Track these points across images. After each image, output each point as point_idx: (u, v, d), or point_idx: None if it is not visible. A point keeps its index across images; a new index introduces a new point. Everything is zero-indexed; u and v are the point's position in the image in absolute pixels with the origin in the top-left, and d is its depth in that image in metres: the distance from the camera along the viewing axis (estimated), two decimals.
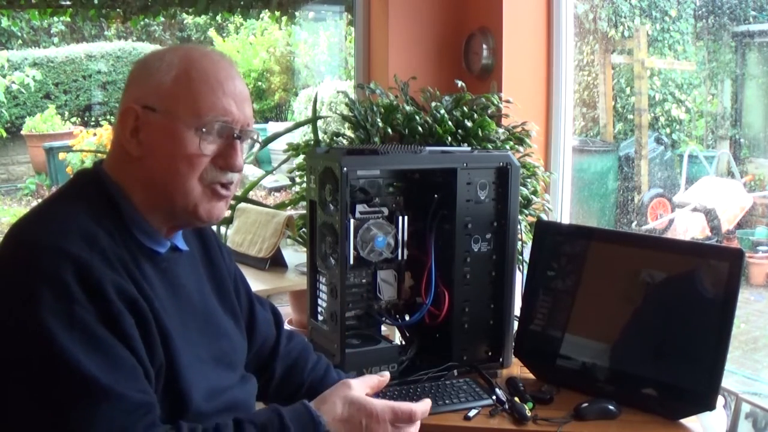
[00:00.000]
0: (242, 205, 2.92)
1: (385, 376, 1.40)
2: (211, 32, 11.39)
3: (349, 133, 2.38)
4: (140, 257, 1.19)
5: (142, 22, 9.34)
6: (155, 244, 1.23)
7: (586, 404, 1.65)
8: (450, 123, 2.17)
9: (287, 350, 1.55)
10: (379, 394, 1.69)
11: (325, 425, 1.21)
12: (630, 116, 5.15)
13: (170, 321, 1.17)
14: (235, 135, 1.23)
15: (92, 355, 1.04)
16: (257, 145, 1.34)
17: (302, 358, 1.55)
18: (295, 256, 2.77)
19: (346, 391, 1.27)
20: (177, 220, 1.25)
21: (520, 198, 1.99)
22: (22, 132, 9.79)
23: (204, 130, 1.19)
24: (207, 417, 1.20)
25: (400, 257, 1.80)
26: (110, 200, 1.20)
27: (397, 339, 2.08)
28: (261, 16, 8.33)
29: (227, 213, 3.13)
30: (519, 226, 1.98)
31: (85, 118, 10.38)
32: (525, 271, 2.03)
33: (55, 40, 11.18)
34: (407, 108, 2.24)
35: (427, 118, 2.21)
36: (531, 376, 1.87)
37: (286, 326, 2.99)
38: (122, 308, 1.09)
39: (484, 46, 2.71)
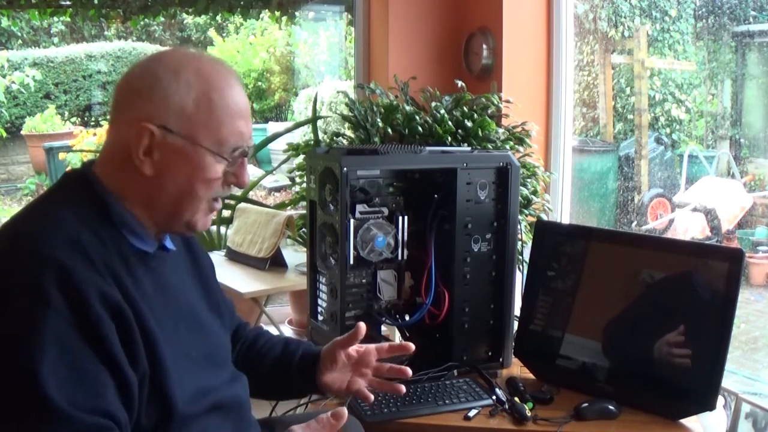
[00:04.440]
0: (242, 205, 2.92)
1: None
2: (211, 32, 11.38)
3: (349, 133, 2.38)
4: (129, 257, 1.18)
5: (142, 22, 9.34)
6: (144, 245, 1.22)
7: (586, 404, 1.65)
8: (450, 123, 2.17)
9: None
10: (380, 394, 1.68)
11: None
12: (630, 116, 5.15)
13: (157, 323, 1.16)
14: (247, 154, 1.26)
15: (55, 369, 1.02)
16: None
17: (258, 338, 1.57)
18: (295, 256, 2.78)
19: None
20: (171, 230, 1.26)
21: (520, 198, 1.99)
22: (22, 132, 9.78)
23: (224, 156, 1.21)
24: (194, 418, 1.20)
25: (400, 257, 1.80)
26: (99, 201, 1.19)
27: (397, 339, 2.08)
28: (261, 16, 8.32)
29: (227, 213, 3.14)
30: (519, 226, 1.99)
31: (85, 118, 10.37)
32: (525, 271, 2.03)
33: (55, 40, 11.18)
34: (407, 108, 2.24)
35: (427, 118, 2.21)
36: (531, 376, 1.87)
37: (285, 326, 3.00)
38: (102, 313, 1.07)
39: (484, 46, 2.71)
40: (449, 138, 2.16)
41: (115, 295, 1.10)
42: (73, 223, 1.13)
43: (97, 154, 1.28)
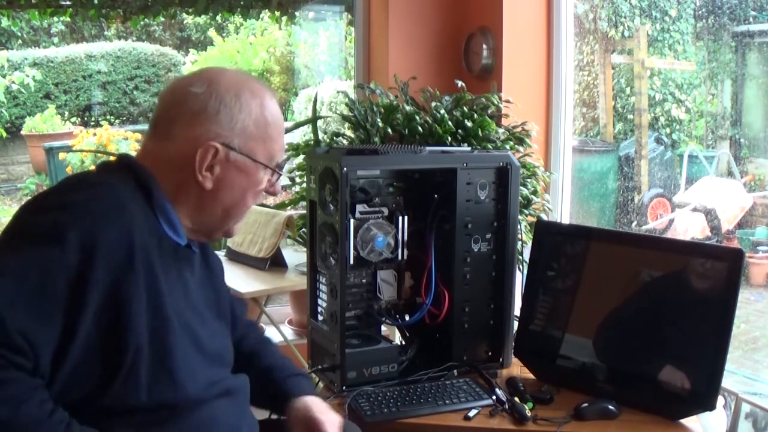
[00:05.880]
0: None
1: None
2: (211, 32, 11.38)
3: (349, 133, 2.38)
4: (164, 241, 1.24)
5: (142, 22, 9.33)
6: (176, 236, 1.28)
7: (586, 404, 1.65)
8: (450, 123, 2.17)
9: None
10: (380, 394, 1.69)
11: None
12: (630, 116, 5.15)
13: (173, 306, 1.21)
14: (283, 166, 1.37)
15: (19, 293, 1.06)
16: None
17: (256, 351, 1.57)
18: (295, 256, 2.77)
19: None
20: (210, 236, 1.37)
21: (520, 198, 1.99)
22: (22, 132, 9.78)
23: (273, 168, 1.33)
24: (205, 403, 1.25)
25: (400, 257, 1.79)
26: (142, 185, 1.25)
27: (397, 339, 2.08)
28: (261, 16, 8.31)
29: None
30: (519, 226, 1.98)
31: (85, 118, 10.37)
32: (525, 271, 2.03)
33: (55, 40, 11.17)
34: (407, 108, 2.24)
35: (427, 118, 2.21)
36: (531, 376, 1.87)
37: (286, 326, 3.00)
38: (101, 277, 1.11)
39: (484, 46, 2.71)
40: (449, 138, 2.16)
41: (126, 271, 1.14)
42: (126, 192, 1.21)
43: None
